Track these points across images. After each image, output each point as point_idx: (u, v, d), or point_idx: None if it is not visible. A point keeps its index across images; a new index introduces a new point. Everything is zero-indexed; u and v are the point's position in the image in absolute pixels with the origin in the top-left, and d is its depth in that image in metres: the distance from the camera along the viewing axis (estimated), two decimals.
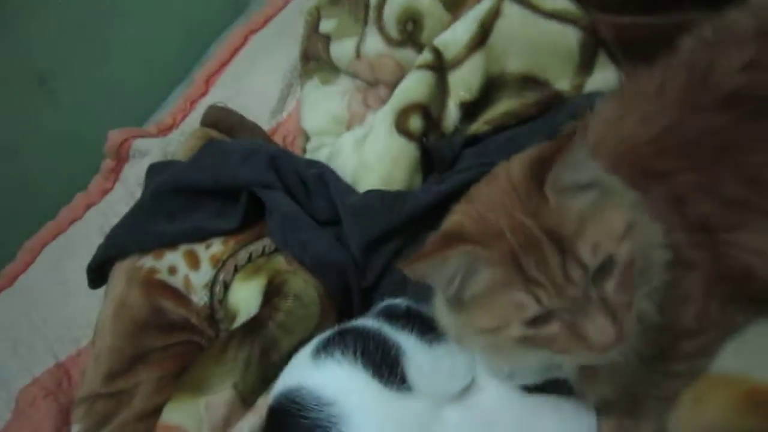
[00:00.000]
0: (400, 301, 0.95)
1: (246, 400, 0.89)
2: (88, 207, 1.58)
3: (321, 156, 1.21)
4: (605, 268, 0.59)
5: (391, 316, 0.92)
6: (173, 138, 1.52)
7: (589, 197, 0.61)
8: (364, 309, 0.99)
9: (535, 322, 0.60)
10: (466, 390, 0.82)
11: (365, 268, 1.02)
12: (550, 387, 0.77)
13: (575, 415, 0.75)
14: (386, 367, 0.81)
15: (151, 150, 1.49)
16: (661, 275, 0.66)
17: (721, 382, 0.72)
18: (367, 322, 0.92)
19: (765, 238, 0.70)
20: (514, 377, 0.78)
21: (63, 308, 1.43)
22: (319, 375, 0.83)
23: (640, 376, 0.72)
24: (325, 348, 0.86)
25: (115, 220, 1.21)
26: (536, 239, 0.58)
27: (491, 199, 0.64)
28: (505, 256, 0.59)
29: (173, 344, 1.00)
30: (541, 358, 0.65)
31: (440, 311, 0.72)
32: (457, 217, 0.66)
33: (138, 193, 1.34)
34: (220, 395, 0.87)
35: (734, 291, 0.71)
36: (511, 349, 0.64)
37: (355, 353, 0.82)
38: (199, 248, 1.04)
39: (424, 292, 0.94)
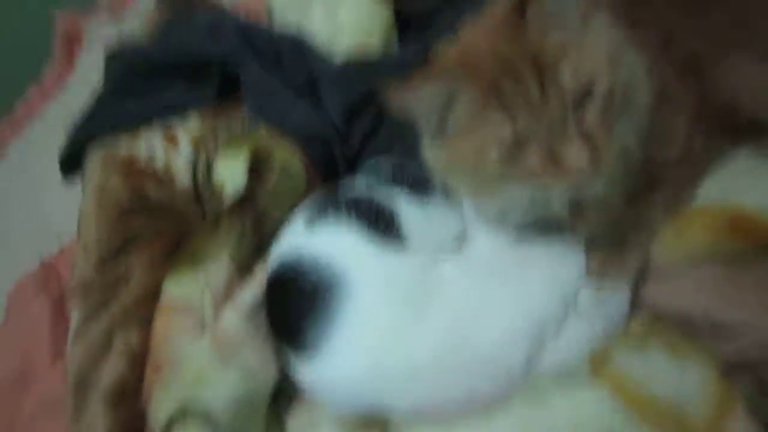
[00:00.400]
0: (387, 159, 0.95)
1: (242, 269, 0.91)
2: (44, 99, 1.51)
3: (288, 22, 1.15)
4: (585, 96, 0.60)
5: (380, 173, 0.93)
6: (128, 19, 1.43)
7: (572, 29, 0.61)
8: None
9: (513, 149, 0.61)
10: (459, 243, 0.85)
11: (347, 137, 1.01)
12: (540, 230, 0.80)
13: (565, 253, 0.79)
14: (381, 226, 0.83)
15: (104, 33, 1.40)
16: (645, 111, 0.67)
17: (703, 211, 0.75)
18: (357, 181, 0.93)
19: (749, 70, 0.71)
20: (503, 219, 0.80)
21: (39, 207, 1.40)
22: (315, 239, 0.84)
23: (626, 212, 0.74)
24: (318, 212, 0.87)
25: (76, 111, 1.15)
26: (516, 65, 0.59)
27: (475, 34, 0.65)
28: (485, 82, 0.60)
29: (163, 225, 0.99)
30: (524, 192, 0.68)
31: (426, 149, 0.73)
32: (441, 52, 0.66)
33: (97, 81, 1.27)
34: (218, 264, 0.88)
35: (718, 126, 0.73)
36: (494, 182, 0.67)
37: (350, 216, 0.84)
38: (177, 126, 1.01)
39: (408, 156, 0.96)
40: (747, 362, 0.68)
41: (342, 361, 0.76)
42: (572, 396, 0.63)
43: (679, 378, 0.62)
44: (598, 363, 0.71)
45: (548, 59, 0.59)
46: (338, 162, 1.01)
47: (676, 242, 0.76)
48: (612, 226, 0.77)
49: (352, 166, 1.03)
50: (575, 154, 0.59)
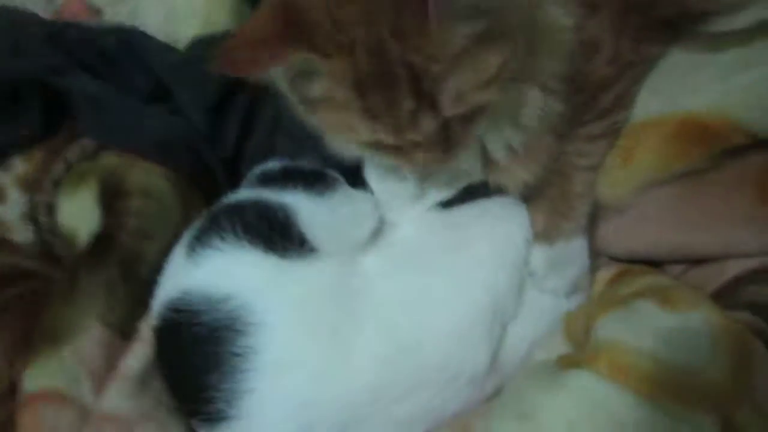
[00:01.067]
0: (272, 164, 0.79)
1: (124, 331, 0.72)
2: None
3: (120, 20, 0.95)
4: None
5: (268, 180, 0.76)
6: None
7: (477, 26, 0.47)
8: (234, 184, 0.82)
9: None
10: (378, 232, 0.70)
11: (217, 136, 0.83)
12: (470, 194, 0.66)
13: (505, 218, 0.65)
14: (278, 234, 0.66)
15: None
16: (565, 43, 0.55)
17: (647, 128, 0.63)
18: (241, 194, 0.75)
19: None
20: (422, 194, 0.66)
21: None
22: (202, 271, 0.67)
23: (564, 149, 0.62)
24: (199, 239, 0.69)
25: None
26: (393, 72, 0.47)
27: None
28: (348, 77, 0.48)
29: (10, 300, 0.78)
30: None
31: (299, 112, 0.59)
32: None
33: None
34: (87, 336, 0.68)
35: (644, 21, 0.61)
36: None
37: (235, 232, 0.66)
38: None
39: (296, 149, 0.80)
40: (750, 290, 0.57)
41: (266, 420, 0.59)
42: (564, 399, 0.49)
43: (681, 332, 0.49)
44: (578, 340, 0.58)
45: (434, 73, 0.47)
46: (215, 170, 0.83)
47: (624, 173, 0.64)
48: (548, 171, 0.65)
49: (235, 171, 0.85)
50: (429, 158, 0.53)
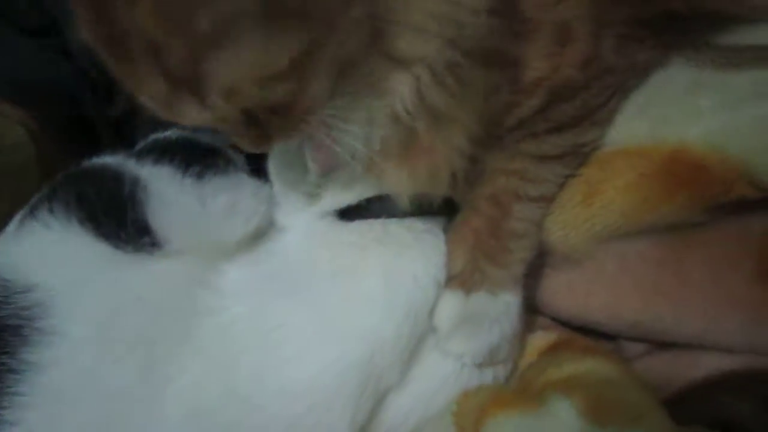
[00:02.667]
0: (171, 132, 0.63)
1: None
2: None
3: None
4: None
5: (154, 150, 0.60)
6: None
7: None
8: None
9: None
10: (260, 237, 0.54)
11: (109, 88, 0.67)
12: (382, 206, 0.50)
13: (413, 242, 0.49)
14: (114, 218, 0.50)
15: None
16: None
17: (623, 157, 0.47)
18: (105, 159, 0.59)
19: None
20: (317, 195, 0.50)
21: None
22: (18, 249, 0.51)
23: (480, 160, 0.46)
24: (32, 209, 0.53)
25: None
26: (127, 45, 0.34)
27: None
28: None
29: None
30: None
31: None
32: None
33: None
34: None
35: (638, 16, 0.44)
36: None
37: (68, 207, 0.51)
38: None
39: None
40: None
41: None
42: None
43: None
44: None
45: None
46: (98, 127, 0.67)
47: (583, 214, 0.48)
48: (486, 197, 0.48)
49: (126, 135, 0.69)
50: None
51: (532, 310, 0.54)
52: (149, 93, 0.36)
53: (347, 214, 0.50)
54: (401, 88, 0.37)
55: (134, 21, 0.32)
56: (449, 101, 0.37)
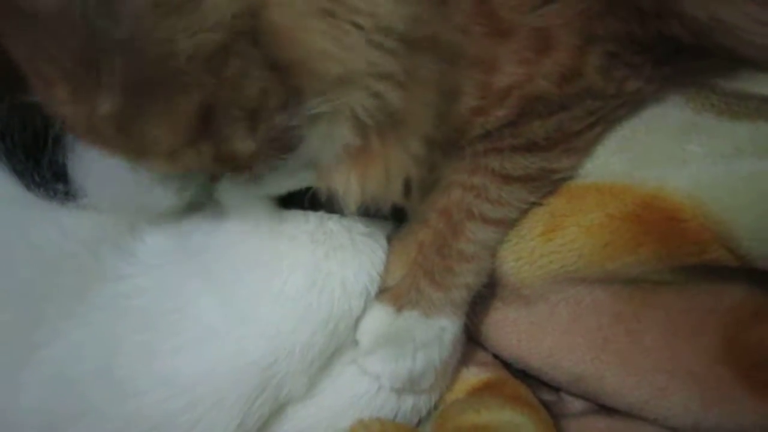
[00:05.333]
0: None
1: None
2: None
3: None
4: None
5: None
6: None
7: None
8: None
9: None
10: (198, 207, 0.49)
11: None
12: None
13: (348, 243, 0.44)
14: (33, 158, 0.45)
15: None
16: None
17: (594, 194, 0.42)
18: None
19: None
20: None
21: None
22: None
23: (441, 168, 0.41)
24: None
25: None
26: None
27: None
28: None
29: None
30: None
31: None
32: None
33: None
34: None
35: (630, 35, 0.39)
36: None
37: None
38: None
39: None
40: None
41: None
42: None
43: None
44: None
45: None
46: None
47: (540, 249, 0.43)
48: (440, 210, 0.43)
49: None
50: None
51: (474, 342, 0.50)
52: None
53: (287, 201, 0.46)
54: (341, 106, 0.33)
55: None
56: (398, 96, 0.33)
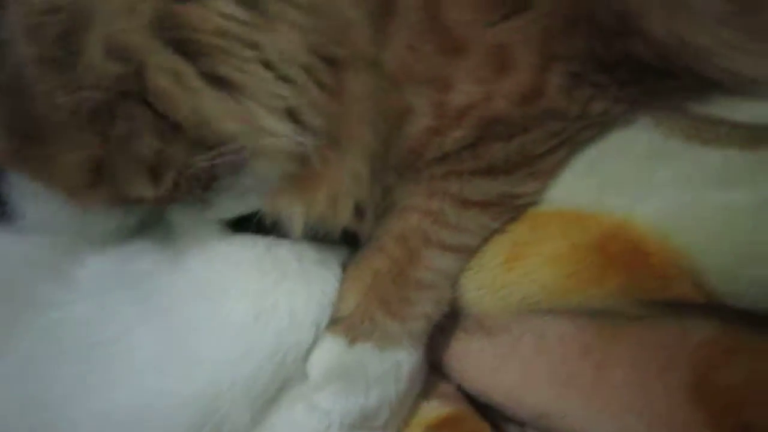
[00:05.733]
0: None
1: None
2: None
3: None
4: None
5: None
6: None
7: None
8: None
9: None
10: (146, 228, 0.47)
11: None
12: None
13: (299, 270, 0.41)
14: None
15: None
16: None
17: (558, 222, 0.40)
18: None
19: None
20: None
21: None
22: None
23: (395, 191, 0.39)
24: None
25: None
26: None
27: None
28: None
29: None
30: None
31: None
32: None
33: None
34: None
35: (589, 56, 0.37)
36: None
37: None
38: None
39: None
40: None
41: None
42: None
43: None
44: None
45: None
46: None
47: (502, 278, 0.40)
48: (396, 235, 0.41)
49: None
50: None
51: (437, 373, 0.47)
52: None
53: (237, 225, 0.43)
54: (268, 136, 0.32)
55: None
56: (321, 118, 0.31)
